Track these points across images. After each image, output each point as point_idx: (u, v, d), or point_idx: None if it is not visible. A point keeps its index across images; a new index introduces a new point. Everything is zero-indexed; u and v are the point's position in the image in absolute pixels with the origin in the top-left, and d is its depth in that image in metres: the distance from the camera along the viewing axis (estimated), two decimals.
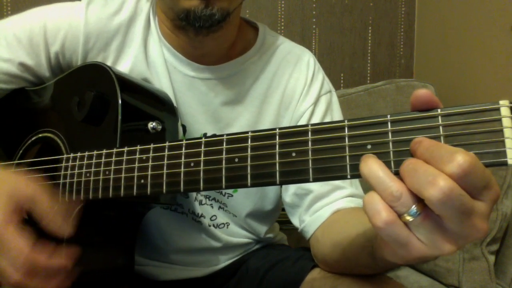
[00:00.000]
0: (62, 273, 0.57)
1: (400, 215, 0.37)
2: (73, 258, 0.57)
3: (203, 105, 0.78)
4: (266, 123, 0.79)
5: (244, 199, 0.82)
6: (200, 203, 0.81)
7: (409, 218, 0.37)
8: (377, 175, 0.38)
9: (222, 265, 0.87)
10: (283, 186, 0.80)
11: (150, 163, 0.55)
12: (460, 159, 0.35)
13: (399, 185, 0.37)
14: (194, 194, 0.80)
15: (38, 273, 0.56)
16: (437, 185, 0.35)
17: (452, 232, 0.37)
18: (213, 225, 0.82)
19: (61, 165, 0.66)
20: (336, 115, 0.81)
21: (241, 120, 0.79)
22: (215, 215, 0.82)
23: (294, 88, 0.79)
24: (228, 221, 0.84)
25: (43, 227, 0.58)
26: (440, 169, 0.35)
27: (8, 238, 0.55)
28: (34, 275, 0.55)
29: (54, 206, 0.59)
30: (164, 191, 0.53)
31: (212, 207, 0.82)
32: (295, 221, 0.79)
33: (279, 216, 0.91)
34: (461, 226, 0.36)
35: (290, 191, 0.78)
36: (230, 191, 0.81)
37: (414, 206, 0.37)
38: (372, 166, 0.38)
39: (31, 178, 0.61)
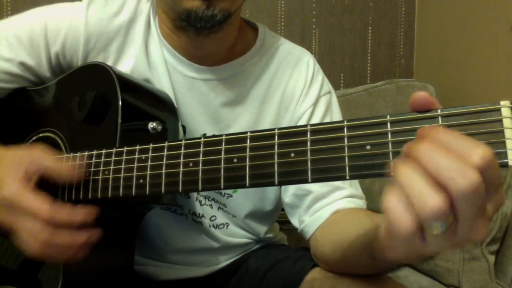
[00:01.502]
0: (84, 230, 0.57)
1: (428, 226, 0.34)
2: (93, 214, 0.57)
3: (203, 106, 0.78)
4: (266, 124, 0.79)
5: (244, 199, 0.82)
6: (200, 203, 0.81)
7: (435, 232, 0.33)
8: (412, 177, 0.34)
9: (222, 265, 0.87)
10: (283, 187, 0.80)
11: (149, 163, 0.55)
12: (482, 151, 0.32)
13: (443, 199, 0.32)
14: (194, 194, 0.80)
15: (61, 233, 0.56)
16: (468, 177, 0.32)
17: (460, 235, 0.35)
18: (213, 226, 0.82)
19: None
20: (336, 116, 0.81)
21: (241, 121, 0.79)
22: (214, 216, 0.82)
23: (294, 89, 0.79)
24: (228, 222, 0.84)
25: (58, 179, 0.59)
26: (463, 162, 0.32)
27: (26, 201, 0.56)
28: (58, 235, 0.56)
29: (60, 161, 0.62)
30: (163, 191, 0.53)
31: (212, 207, 0.82)
32: (294, 221, 0.79)
33: (279, 216, 0.91)
34: (471, 228, 0.34)
35: (289, 192, 0.78)
36: (229, 191, 0.81)
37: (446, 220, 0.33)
38: (412, 174, 0.34)
39: (31, 146, 0.63)
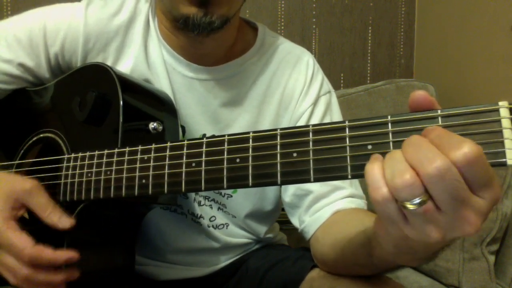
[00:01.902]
0: (68, 266, 0.58)
1: (401, 201, 0.37)
2: (74, 259, 0.58)
3: (202, 106, 0.78)
4: (265, 124, 0.79)
5: (244, 200, 0.82)
6: (199, 204, 0.81)
7: (409, 206, 0.37)
8: (394, 156, 0.38)
9: (222, 264, 0.87)
10: (283, 187, 0.80)
11: (151, 163, 0.55)
12: (466, 149, 0.35)
13: (412, 175, 0.36)
14: (193, 195, 0.80)
15: (41, 272, 0.57)
16: (434, 163, 0.35)
17: (443, 220, 0.37)
18: (213, 226, 0.82)
19: (62, 165, 0.66)
20: (336, 115, 0.81)
21: (241, 121, 0.79)
22: (214, 216, 0.82)
23: (294, 88, 0.80)
24: (228, 222, 0.84)
25: (44, 219, 0.59)
26: (445, 154, 0.35)
27: (10, 234, 0.57)
28: (40, 269, 0.57)
29: (52, 201, 0.61)
30: (166, 191, 0.53)
31: (212, 208, 0.82)
32: (295, 221, 0.79)
33: (279, 216, 0.91)
34: (452, 214, 0.36)
35: (289, 192, 0.78)
36: (229, 192, 0.81)
37: (418, 198, 0.36)
38: (394, 156, 0.38)
39: (27, 178, 0.63)
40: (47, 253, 0.57)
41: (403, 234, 0.39)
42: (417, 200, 0.36)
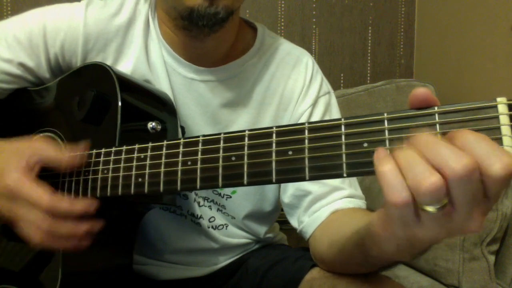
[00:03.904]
0: (86, 221, 0.57)
1: (422, 204, 0.36)
2: (93, 205, 0.58)
3: (202, 107, 0.78)
4: (264, 124, 0.79)
5: (243, 200, 0.82)
6: (199, 204, 0.81)
7: (430, 210, 0.36)
8: (410, 156, 0.36)
9: (222, 264, 0.87)
10: (282, 187, 0.80)
11: (147, 162, 0.55)
12: (507, 160, 0.34)
13: (439, 178, 0.35)
14: (193, 196, 0.80)
15: (63, 223, 0.56)
16: (462, 161, 0.34)
17: (455, 221, 0.37)
18: (212, 227, 0.82)
19: None
20: (335, 116, 0.81)
21: (240, 122, 0.79)
22: (213, 217, 0.82)
23: (293, 89, 0.79)
24: (227, 223, 0.84)
25: (59, 169, 0.60)
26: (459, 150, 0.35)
27: (27, 191, 0.57)
28: (60, 224, 0.56)
29: (62, 150, 0.62)
30: (161, 189, 0.53)
31: (211, 209, 0.82)
32: (293, 222, 0.79)
33: (279, 216, 0.91)
34: (465, 215, 0.36)
35: (288, 192, 0.77)
36: (228, 192, 0.81)
37: (440, 202, 0.35)
38: (412, 156, 0.36)
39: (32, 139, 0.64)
40: (65, 201, 0.56)
41: (411, 234, 0.39)
42: (439, 204, 0.35)
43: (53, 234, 0.56)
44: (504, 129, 0.36)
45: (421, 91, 0.40)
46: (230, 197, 0.81)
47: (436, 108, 0.39)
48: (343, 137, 0.42)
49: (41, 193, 0.56)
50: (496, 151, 0.34)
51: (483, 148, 0.35)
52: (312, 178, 0.43)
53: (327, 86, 0.83)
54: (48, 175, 0.67)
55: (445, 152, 0.35)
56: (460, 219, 0.36)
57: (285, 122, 0.80)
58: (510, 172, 0.34)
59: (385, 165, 0.37)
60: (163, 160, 0.53)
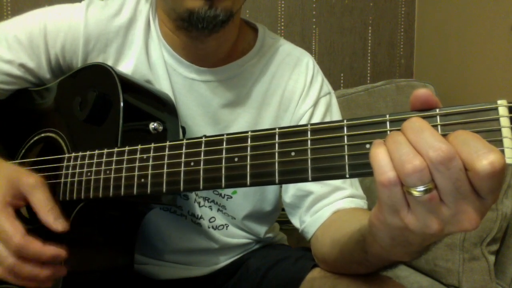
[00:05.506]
0: (56, 262, 0.57)
1: (408, 186, 0.37)
2: (66, 250, 0.58)
3: (202, 107, 0.78)
4: (265, 125, 0.79)
5: (243, 201, 0.82)
6: (199, 205, 0.81)
7: (415, 193, 0.37)
8: (397, 139, 0.38)
9: (222, 264, 0.87)
10: (283, 187, 0.80)
11: (150, 163, 0.55)
12: (492, 158, 0.35)
13: (421, 161, 0.37)
14: (193, 196, 0.80)
15: (27, 265, 0.56)
16: (441, 148, 0.36)
17: (445, 213, 0.37)
18: (212, 227, 0.83)
19: (62, 164, 0.66)
20: (336, 116, 0.81)
21: (240, 122, 0.79)
22: (213, 217, 0.82)
23: (293, 90, 0.80)
24: (227, 223, 0.84)
25: (41, 216, 0.59)
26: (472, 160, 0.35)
27: (4, 220, 0.56)
28: (27, 261, 0.56)
29: (53, 200, 0.60)
30: (164, 190, 0.53)
31: (211, 209, 0.82)
32: (295, 221, 0.79)
33: (279, 216, 0.91)
34: (454, 208, 0.37)
35: (290, 192, 0.78)
36: (229, 193, 0.82)
37: (425, 185, 0.37)
38: (399, 140, 0.38)
39: (33, 172, 0.62)
40: (35, 245, 0.56)
41: (403, 224, 0.39)
42: (423, 187, 0.37)
43: (14, 273, 0.56)
44: (505, 131, 0.37)
45: (422, 92, 0.40)
46: (231, 197, 0.81)
47: (437, 110, 0.39)
48: (345, 138, 0.43)
49: (15, 231, 0.56)
50: (485, 149, 0.35)
51: (471, 144, 0.36)
52: (314, 179, 0.44)
53: (327, 87, 0.83)
54: (49, 175, 0.67)
55: (428, 138, 0.36)
56: (449, 211, 0.37)
57: (285, 122, 0.80)
58: (497, 170, 0.35)
59: (376, 148, 0.39)
60: (166, 161, 0.54)
